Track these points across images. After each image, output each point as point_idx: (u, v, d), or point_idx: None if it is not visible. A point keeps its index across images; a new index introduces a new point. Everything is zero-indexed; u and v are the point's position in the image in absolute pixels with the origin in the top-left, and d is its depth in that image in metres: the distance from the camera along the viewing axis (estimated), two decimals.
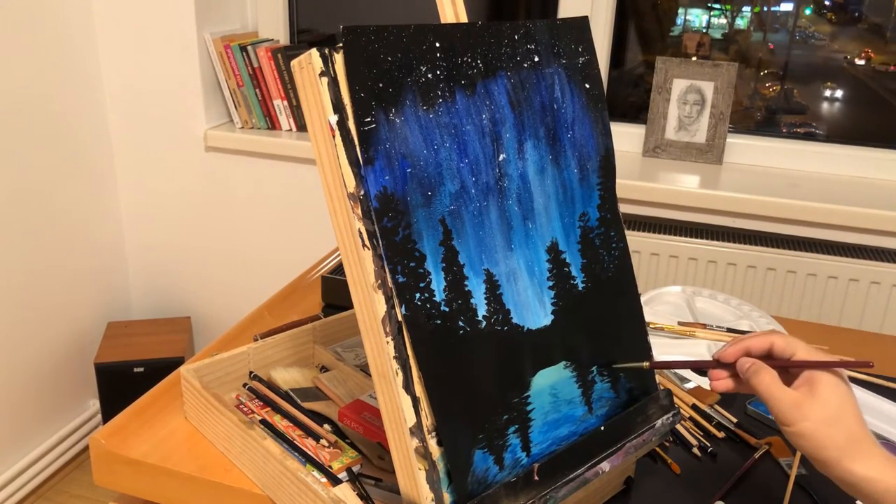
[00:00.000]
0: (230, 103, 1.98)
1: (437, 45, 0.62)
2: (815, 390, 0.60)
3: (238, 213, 2.06)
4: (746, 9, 1.84)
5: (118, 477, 0.82)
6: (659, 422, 0.73)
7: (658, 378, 0.78)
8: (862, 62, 1.76)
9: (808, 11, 1.79)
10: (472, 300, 0.62)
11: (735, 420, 0.91)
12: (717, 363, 0.67)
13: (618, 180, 0.76)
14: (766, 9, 1.82)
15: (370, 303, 0.58)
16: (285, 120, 1.96)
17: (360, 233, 0.57)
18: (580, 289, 0.70)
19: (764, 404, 0.95)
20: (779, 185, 1.69)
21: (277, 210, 2.02)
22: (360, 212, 0.57)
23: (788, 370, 0.64)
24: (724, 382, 0.66)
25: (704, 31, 1.88)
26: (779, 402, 0.60)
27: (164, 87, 1.97)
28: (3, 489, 1.86)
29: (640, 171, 1.77)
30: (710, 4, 1.85)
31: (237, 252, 2.11)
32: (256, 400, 0.86)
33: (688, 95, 1.79)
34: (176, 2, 1.87)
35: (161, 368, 1.91)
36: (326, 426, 0.81)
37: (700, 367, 0.76)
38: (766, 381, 0.61)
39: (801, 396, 0.60)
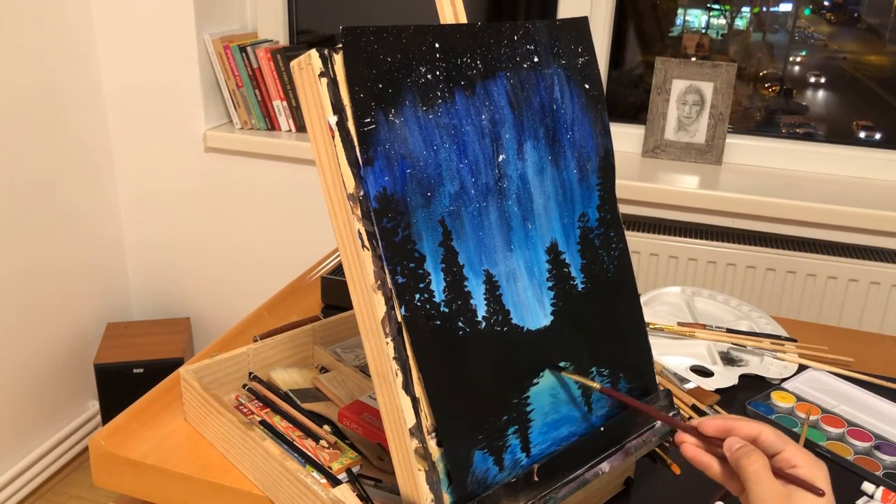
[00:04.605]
0: (230, 104, 1.98)
1: (437, 45, 0.62)
2: (798, 495, 0.58)
3: (237, 214, 2.06)
4: (746, 9, 1.84)
5: (118, 478, 0.82)
6: (659, 422, 0.74)
7: (658, 378, 0.78)
8: (861, 62, 1.76)
9: (807, 12, 1.79)
10: (471, 301, 0.62)
11: None
12: (692, 429, 0.63)
13: (617, 181, 0.76)
14: (765, 9, 1.82)
15: (370, 303, 0.58)
16: (285, 121, 1.96)
17: (360, 233, 0.57)
18: (580, 289, 0.70)
19: (764, 404, 0.95)
20: (778, 185, 1.69)
21: (277, 211, 2.02)
22: (359, 212, 0.57)
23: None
24: (695, 450, 0.62)
25: (704, 31, 1.88)
26: (767, 489, 0.57)
27: (164, 88, 1.97)
28: (2, 490, 1.86)
29: (640, 171, 1.77)
30: (709, 5, 1.85)
31: (237, 253, 2.11)
32: (256, 401, 0.86)
33: (687, 96, 1.79)
34: (176, 2, 1.87)
35: (161, 369, 1.90)
36: (326, 427, 0.81)
37: (671, 425, 0.71)
38: (760, 463, 0.58)
39: (789, 491, 0.58)
